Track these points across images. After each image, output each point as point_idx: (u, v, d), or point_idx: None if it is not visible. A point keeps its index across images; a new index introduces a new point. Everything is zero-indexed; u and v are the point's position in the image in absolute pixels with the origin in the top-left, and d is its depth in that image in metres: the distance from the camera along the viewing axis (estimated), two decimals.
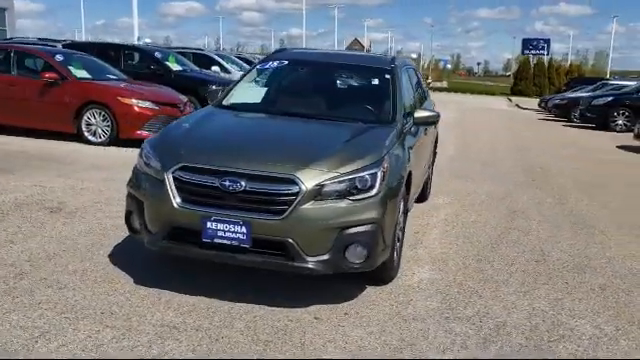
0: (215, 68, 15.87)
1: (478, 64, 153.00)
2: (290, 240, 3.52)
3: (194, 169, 3.68)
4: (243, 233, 3.54)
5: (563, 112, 21.93)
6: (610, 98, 18.14)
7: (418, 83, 6.44)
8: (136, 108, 9.50)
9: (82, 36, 55.14)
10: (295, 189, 3.52)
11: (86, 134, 9.54)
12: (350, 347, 3.30)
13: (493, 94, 47.43)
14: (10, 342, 3.11)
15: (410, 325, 3.61)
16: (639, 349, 3.47)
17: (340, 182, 3.61)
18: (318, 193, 3.56)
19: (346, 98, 5.16)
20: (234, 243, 3.57)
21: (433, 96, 8.14)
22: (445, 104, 28.32)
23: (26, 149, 8.88)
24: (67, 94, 9.57)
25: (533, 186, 8.41)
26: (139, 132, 9.48)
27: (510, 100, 39.88)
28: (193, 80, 12.57)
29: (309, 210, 3.52)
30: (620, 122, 17.67)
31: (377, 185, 3.69)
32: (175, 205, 3.64)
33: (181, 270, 4.20)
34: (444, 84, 58.88)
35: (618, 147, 14.05)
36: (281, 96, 5.22)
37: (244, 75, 5.44)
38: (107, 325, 3.36)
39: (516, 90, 46.94)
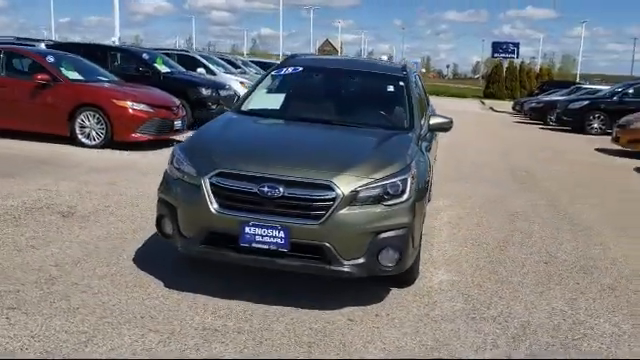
0: (200, 70, 15.83)
1: (447, 67, 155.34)
2: (327, 244, 3.62)
3: (231, 175, 3.76)
4: (281, 237, 3.63)
5: (539, 115, 22.48)
6: (586, 102, 18.67)
7: (423, 88, 6.60)
8: (131, 110, 9.45)
9: (52, 34, 54.15)
10: (332, 195, 3.63)
11: (80, 137, 9.45)
12: (389, 347, 3.42)
13: (465, 97, 48.22)
14: (59, 347, 3.15)
15: (441, 326, 3.75)
16: None
17: (374, 188, 3.73)
18: (353, 198, 3.67)
19: (363, 105, 5.27)
20: (272, 247, 3.66)
21: None
22: None
23: (20, 152, 8.77)
24: (60, 96, 9.47)
25: (523, 189, 8.67)
26: (134, 135, 9.47)
27: (483, 103, 40.63)
28: (182, 82, 12.55)
29: (345, 215, 3.64)
30: (596, 125, 18.19)
31: (407, 190, 3.82)
32: (212, 210, 3.71)
33: (209, 273, 4.26)
34: None
35: (597, 150, 14.49)
36: (300, 102, 5.31)
37: (259, 81, 5.52)
38: (150, 329, 3.42)
39: (488, 93, 47.86)
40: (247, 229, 3.66)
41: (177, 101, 10.51)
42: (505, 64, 50.23)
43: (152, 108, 9.68)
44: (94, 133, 9.44)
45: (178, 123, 10.16)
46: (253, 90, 5.34)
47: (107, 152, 9.27)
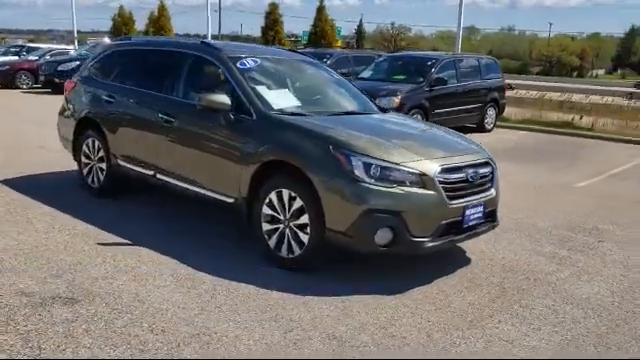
0: None
1: None
2: (495, 207, 4.72)
3: (447, 169, 4.26)
4: (481, 212, 4.53)
5: (7, 80, 20.50)
6: (77, 62, 18.58)
7: None
8: None
9: None
10: (491, 168, 4.69)
11: None
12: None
13: None
14: None
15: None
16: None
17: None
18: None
19: (343, 93, 5.70)
20: (476, 222, 4.49)
21: None
22: None
23: None
24: None
25: None
26: None
27: None
28: None
29: (497, 182, 4.77)
30: None
31: None
32: (447, 204, 4.17)
33: None
34: None
35: None
36: (311, 96, 5.39)
37: (240, 76, 4.97)
38: None
39: None
40: (467, 212, 4.34)
41: None
42: None
43: None
44: None
45: None
46: (252, 86, 4.84)
47: None
